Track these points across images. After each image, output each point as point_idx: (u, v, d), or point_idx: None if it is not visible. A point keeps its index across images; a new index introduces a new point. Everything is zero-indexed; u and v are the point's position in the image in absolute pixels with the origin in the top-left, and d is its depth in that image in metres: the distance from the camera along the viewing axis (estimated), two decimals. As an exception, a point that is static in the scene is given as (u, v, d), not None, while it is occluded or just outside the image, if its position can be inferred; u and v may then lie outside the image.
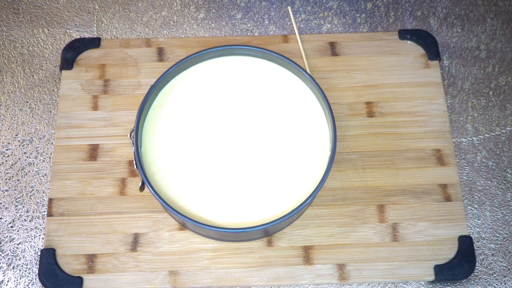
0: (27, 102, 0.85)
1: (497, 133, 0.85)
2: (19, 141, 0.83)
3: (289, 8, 0.91)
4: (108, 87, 0.85)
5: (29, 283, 0.76)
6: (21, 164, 0.82)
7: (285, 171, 0.74)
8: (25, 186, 0.81)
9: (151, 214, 0.78)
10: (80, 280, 0.75)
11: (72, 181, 0.80)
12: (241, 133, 0.77)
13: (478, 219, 0.80)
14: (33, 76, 0.87)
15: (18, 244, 0.78)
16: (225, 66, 0.80)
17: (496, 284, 0.77)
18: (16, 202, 0.80)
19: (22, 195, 0.80)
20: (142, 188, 0.75)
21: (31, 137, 0.83)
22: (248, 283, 0.75)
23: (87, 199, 0.79)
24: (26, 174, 0.81)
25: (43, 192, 0.80)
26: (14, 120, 0.84)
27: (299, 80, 0.79)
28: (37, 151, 0.83)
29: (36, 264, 0.77)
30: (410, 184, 0.80)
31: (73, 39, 0.89)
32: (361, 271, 0.76)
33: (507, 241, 0.79)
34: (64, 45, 0.88)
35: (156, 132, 0.76)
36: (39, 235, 0.78)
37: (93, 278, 0.75)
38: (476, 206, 0.80)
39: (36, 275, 0.76)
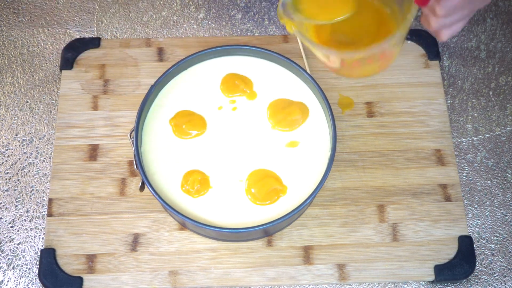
0: (27, 102, 0.86)
1: (497, 133, 0.85)
2: (19, 141, 0.83)
3: (289, 8, 0.91)
4: (108, 87, 0.85)
5: (29, 283, 0.76)
6: (21, 164, 0.82)
7: (285, 171, 0.74)
8: (25, 186, 0.81)
9: (151, 214, 0.78)
10: (80, 280, 0.75)
11: (72, 181, 0.80)
12: (241, 132, 0.77)
13: (478, 219, 0.80)
14: (33, 76, 0.87)
15: (18, 244, 0.78)
16: (225, 66, 0.80)
17: (496, 284, 0.77)
18: (16, 202, 0.80)
19: (22, 195, 0.80)
20: (142, 188, 0.75)
21: (31, 137, 0.83)
22: (248, 283, 0.75)
23: (87, 199, 0.79)
24: (26, 174, 0.81)
25: (43, 192, 0.80)
26: (14, 120, 0.84)
27: (299, 80, 0.79)
28: (37, 151, 0.83)
29: (36, 264, 0.77)
30: (410, 184, 0.80)
31: (73, 39, 0.89)
32: (361, 271, 0.76)
33: (507, 241, 0.79)
34: (64, 45, 0.88)
35: (156, 132, 0.76)
36: (39, 235, 0.78)
37: (93, 278, 0.75)
38: (476, 206, 0.80)
39: (36, 275, 0.76)
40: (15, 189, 0.81)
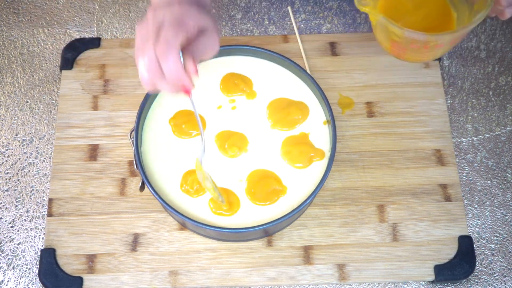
0: (27, 102, 0.86)
1: (497, 133, 0.85)
2: (19, 141, 0.83)
3: (289, 8, 0.91)
4: (108, 87, 0.85)
5: (29, 283, 0.76)
6: (21, 164, 0.82)
7: (285, 171, 0.74)
8: (25, 186, 0.81)
9: (151, 214, 0.78)
10: (80, 280, 0.75)
11: (72, 181, 0.80)
12: (242, 133, 0.77)
13: (478, 219, 0.80)
14: (33, 76, 0.87)
15: (18, 244, 0.78)
16: (225, 66, 0.80)
17: (496, 284, 0.77)
18: (16, 202, 0.80)
19: (22, 195, 0.80)
20: (142, 188, 0.75)
21: (31, 137, 0.83)
22: (248, 283, 0.75)
23: (87, 199, 0.79)
24: (26, 174, 0.81)
25: (43, 192, 0.80)
26: (14, 120, 0.84)
27: (299, 80, 0.79)
28: (37, 151, 0.83)
29: (36, 264, 0.77)
30: (410, 184, 0.80)
31: (73, 39, 0.89)
32: (361, 271, 0.76)
33: (507, 241, 0.79)
34: (64, 45, 0.88)
35: (156, 132, 0.76)
36: (39, 235, 0.78)
37: (93, 278, 0.75)
38: (476, 206, 0.80)
39: (36, 275, 0.76)
40: (15, 189, 0.81)
